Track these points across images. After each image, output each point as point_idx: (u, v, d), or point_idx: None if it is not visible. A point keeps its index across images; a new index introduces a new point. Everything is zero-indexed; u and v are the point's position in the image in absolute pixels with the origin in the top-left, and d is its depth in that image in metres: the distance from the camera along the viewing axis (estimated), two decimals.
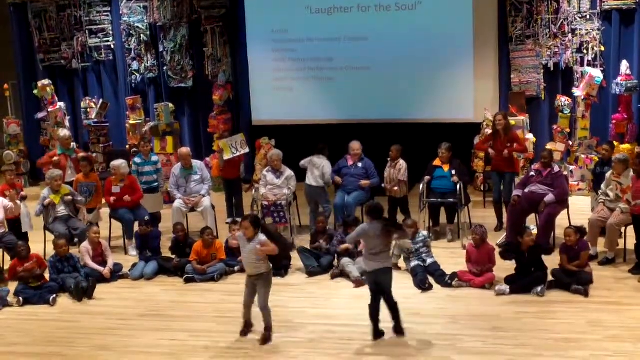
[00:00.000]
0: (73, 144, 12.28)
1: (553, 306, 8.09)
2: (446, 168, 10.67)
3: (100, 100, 14.74)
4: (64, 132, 12.18)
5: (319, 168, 10.98)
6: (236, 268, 9.57)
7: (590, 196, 10.90)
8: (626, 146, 12.09)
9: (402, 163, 10.94)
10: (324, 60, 14.06)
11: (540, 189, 9.82)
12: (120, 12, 14.77)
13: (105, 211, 10.94)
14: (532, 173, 10.08)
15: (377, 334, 7.48)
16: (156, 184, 11.44)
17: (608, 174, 9.70)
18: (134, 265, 9.78)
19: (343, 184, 10.91)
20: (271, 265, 7.50)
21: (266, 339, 7.50)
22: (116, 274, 9.59)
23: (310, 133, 13.57)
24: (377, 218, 7.40)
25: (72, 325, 8.22)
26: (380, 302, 7.42)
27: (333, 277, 9.33)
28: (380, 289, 7.38)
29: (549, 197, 9.69)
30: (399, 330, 7.53)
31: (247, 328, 7.69)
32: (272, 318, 7.53)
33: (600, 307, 8.03)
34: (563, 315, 7.86)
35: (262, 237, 7.32)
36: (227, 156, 11.68)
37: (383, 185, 11.01)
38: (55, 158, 11.72)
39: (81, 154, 11.85)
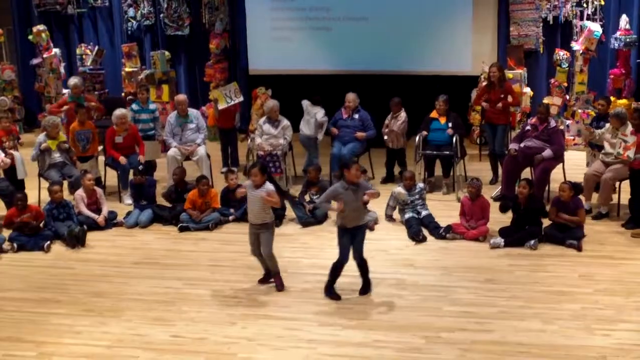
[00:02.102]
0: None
1: (546, 260, 8.14)
2: (443, 120, 10.65)
3: (96, 47, 14.61)
4: (74, 81, 11.87)
5: (312, 116, 11.03)
6: (231, 217, 9.59)
7: (586, 151, 10.89)
8: (623, 101, 12.05)
9: (403, 115, 10.94)
10: (322, 10, 13.87)
11: (536, 144, 9.81)
12: None
13: (100, 159, 10.94)
14: (528, 127, 10.05)
15: (334, 293, 7.33)
16: (152, 132, 11.37)
17: (607, 126, 9.65)
18: (129, 213, 9.78)
19: (339, 135, 10.91)
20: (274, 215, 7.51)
21: (279, 285, 7.52)
22: (111, 221, 9.60)
23: (308, 83, 13.49)
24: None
25: (67, 272, 8.25)
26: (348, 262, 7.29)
27: None
28: (355, 245, 7.21)
29: (547, 153, 9.67)
30: (366, 289, 7.40)
31: (267, 277, 7.65)
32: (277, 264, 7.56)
33: (593, 260, 8.08)
34: (555, 268, 7.91)
35: (269, 186, 7.28)
36: (222, 105, 11.66)
37: (385, 137, 10.99)
38: (65, 107, 11.63)
39: (92, 103, 11.78)
